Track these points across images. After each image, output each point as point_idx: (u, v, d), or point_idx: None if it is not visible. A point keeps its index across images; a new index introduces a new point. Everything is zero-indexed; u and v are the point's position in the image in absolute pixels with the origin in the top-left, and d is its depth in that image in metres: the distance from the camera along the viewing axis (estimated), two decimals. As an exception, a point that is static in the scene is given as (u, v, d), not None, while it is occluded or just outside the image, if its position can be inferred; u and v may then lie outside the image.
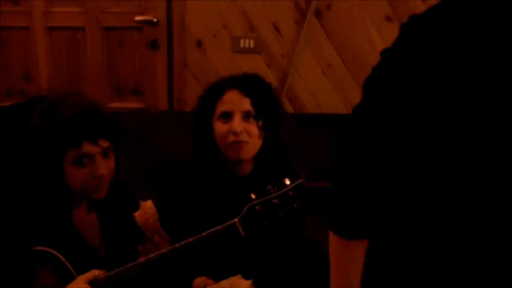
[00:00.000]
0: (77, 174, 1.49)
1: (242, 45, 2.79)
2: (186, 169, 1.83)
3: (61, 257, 1.44)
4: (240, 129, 1.70)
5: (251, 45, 2.79)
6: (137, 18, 2.77)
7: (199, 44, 2.82)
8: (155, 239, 1.55)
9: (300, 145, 2.29)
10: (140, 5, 2.80)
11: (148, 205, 1.56)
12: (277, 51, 2.82)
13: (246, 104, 1.75)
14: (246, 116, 1.73)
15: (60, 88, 2.86)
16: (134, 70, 2.89)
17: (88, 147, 1.48)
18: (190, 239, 1.43)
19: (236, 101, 1.74)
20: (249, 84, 1.79)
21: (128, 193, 1.70)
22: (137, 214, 1.55)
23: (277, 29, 2.80)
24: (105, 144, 1.51)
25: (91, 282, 1.42)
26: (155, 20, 2.77)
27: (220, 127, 1.74)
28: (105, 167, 1.52)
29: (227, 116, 1.73)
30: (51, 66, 2.91)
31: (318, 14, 2.79)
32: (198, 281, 1.58)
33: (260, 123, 1.76)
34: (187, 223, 1.66)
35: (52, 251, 1.43)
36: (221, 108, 1.74)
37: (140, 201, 1.57)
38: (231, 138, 1.71)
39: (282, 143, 1.84)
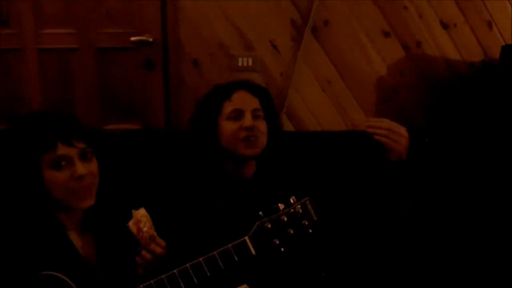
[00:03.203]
0: (56, 179, 1.52)
1: (240, 64, 2.86)
2: (187, 175, 1.89)
3: (69, 281, 1.46)
4: (252, 124, 1.78)
5: (249, 63, 2.86)
6: (133, 38, 2.81)
7: (195, 63, 2.88)
8: (151, 246, 1.59)
9: (302, 162, 2.35)
10: (135, 25, 2.83)
11: (141, 213, 1.60)
12: (275, 69, 2.89)
13: (255, 103, 1.85)
14: (255, 114, 1.82)
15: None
16: (129, 91, 2.92)
17: (63, 149, 1.52)
18: (200, 259, 1.48)
19: (246, 100, 1.84)
20: (254, 86, 1.92)
21: (120, 201, 1.74)
22: (130, 223, 1.59)
23: (274, 47, 2.87)
24: (80, 145, 1.55)
25: None
26: (151, 40, 2.82)
27: (229, 126, 1.81)
28: (84, 168, 1.54)
29: (237, 114, 1.81)
30: (43, 88, 2.91)
31: (315, 30, 2.86)
32: None
33: (266, 122, 1.85)
34: (188, 229, 1.71)
35: (58, 274, 1.46)
36: (230, 107, 1.82)
37: (133, 210, 1.61)
38: (243, 134, 1.79)
39: (283, 146, 1.92)
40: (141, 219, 1.60)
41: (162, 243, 1.62)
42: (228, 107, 1.84)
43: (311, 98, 2.93)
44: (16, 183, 1.53)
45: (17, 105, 2.93)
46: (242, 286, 1.55)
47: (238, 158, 1.84)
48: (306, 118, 2.94)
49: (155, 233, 1.61)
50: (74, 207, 1.57)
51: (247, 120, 1.81)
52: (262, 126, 1.85)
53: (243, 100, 1.86)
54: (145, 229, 1.60)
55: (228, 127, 1.82)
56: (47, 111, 1.67)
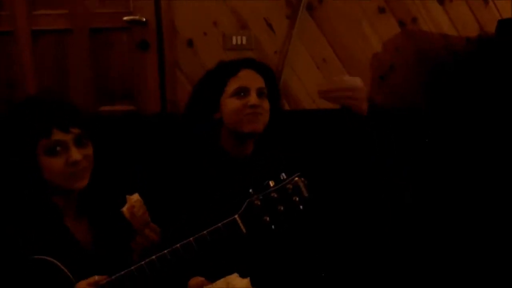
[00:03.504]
0: (52, 165, 1.53)
1: (234, 42, 2.84)
2: (183, 155, 1.89)
3: (60, 265, 1.47)
4: (258, 102, 1.78)
5: (243, 42, 2.84)
6: (126, 18, 2.80)
7: (189, 43, 2.87)
8: (145, 231, 1.59)
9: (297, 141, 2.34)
10: (128, 5, 2.83)
11: (134, 198, 1.60)
12: (270, 48, 2.88)
13: (261, 81, 1.84)
14: (260, 93, 1.82)
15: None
16: (123, 72, 2.91)
17: (58, 135, 1.53)
18: (191, 238, 1.47)
19: (252, 78, 1.84)
20: (261, 64, 1.90)
21: (115, 186, 1.73)
22: (124, 209, 1.59)
23: (269, 25, 2.85)
24: (76, 131, 1.55)
25: None
26: (144, 19, 2.80)
27: (234, 103, 1.81)
28: (79, 154, 1.55)
29: (242, 92, 1.81)
30: (37, 71, 2.91)
31: (310, 8, 2.85)
32: (194, 281, 1.61)
33: (270, 103, 1.84)
34: (183, 210, 1.71)
35: (50, 259, 1.47)
36: (235, 84, 1.82)
37: (127, 196, 1.61)
38: (247, 111, 1.79)
39: (279, 125, 1.92)
40: (135, 205, 1.60)
41: (157, 228, 1.63)
42: (233, 84, 1.83)
43: (306, 77, 2.92)
44: (12, 169, 1.54)
45: (11, 88, 2.93)
46: (233, 275, 1.54)
47: (240, 135, 1.83)
48: (301, 97, 2.94)
49: (149, 219, 1.62)
50: (68, 189, 1.58)
51: (253, 98, 1.80)
52: (266, 104, 1.84)
53: (250, 78, 1.85)
54: (138, 214, 1.60)
55: (232, 104, 1.81)
56: (43, 97, 1.65)
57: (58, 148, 1.52)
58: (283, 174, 1.46)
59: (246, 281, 1.52)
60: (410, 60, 2.93)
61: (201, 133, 1.90)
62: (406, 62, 2.93)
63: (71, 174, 1.54)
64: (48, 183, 1.55)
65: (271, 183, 1.46)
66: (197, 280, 1.61)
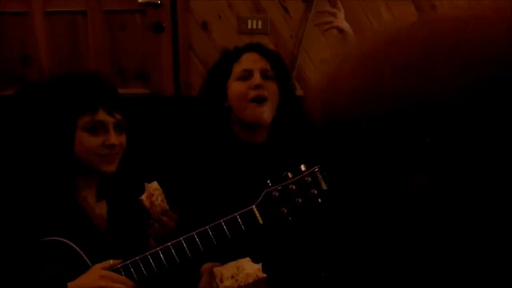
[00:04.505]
0: (88, 142, 1.54)
1: (249, 26, 2.81)
2: (197, 144, 1.87)
3: (75, 246, 1.48)
4: (261, 83, 1.75)
5: (259, 26, 2.81)
6: (140, 0, 2.77)
7: (204, 25, 2.84)
8: (163, 219, 1.59)
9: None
10: (142, -13, 2.79)
11: (153, 187, 1.60)
12: (285, 32, 2.84)
13: (264, 63, 1.82)
14: (264, 75, 1.79)
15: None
16: (137, 55, 2.89)
17: (103, 115, 1.55)
18: (207, 227, 1.47)
19: (254, 60, 1.82)
20: (264, 48, 1.89)
21: (133, 171, 1.74)
22: (143, 197, 1.59)
23: (285, 9, 2.81)
24: (118, 116, 1.58)
25: None
26: (158, 1, 2.77)
27: (238, 86, 1.79)
28: (117, 138, 1.57)
29: (246, 74, 1.79)
30: (51, 51, 2.90)
31: (326, -9, 2.80)
32: (206, 266, 1.60)
33: (278, 85, 1.81)
34: (199, 197, 1.70)
35: (65, 240, 1.47)
36: (238, 68, 1.80)
37: (145, 184, 1.61)
38: (251, 93, 1.76)
39: (299, 111, 1.88)
40: (153, 193, 1.60)
41: (175, 216, 1.62)
42: (237, 69, 1.82)
43: (322, 62, 2.88)
44: (46, 139, 1.54)
45: (27, 70, 2.92)
46: (245, 259, 1.53)
47: (247, 124, 1.81)
48: (316, 82, 2.89)
49: (167, 206, 1.62)
50: (96, 170, 1.59)
51: (256, 78, 1.77)
52: (272, 87, 1.81)
53: (252, 61, 1.83)
54: (157, 202, 1.60)
55: (236, 87, 1.80)
56: (94, 74, 1.66)
57: (99, 129, 1.55)
58: (303, 165, 1.44)
59: (257, 267, 1.51)
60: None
61: (213, 120, 1.88)
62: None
63: (103, 156, 1.56)
64: (76, 161, 1.55)
65: (290, 175, 1.45)
66: (208, 264, 1.60)
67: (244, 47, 1.90)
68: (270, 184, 1.45)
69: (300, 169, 1.44)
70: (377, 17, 2.84)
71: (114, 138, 1.56)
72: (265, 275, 1.50)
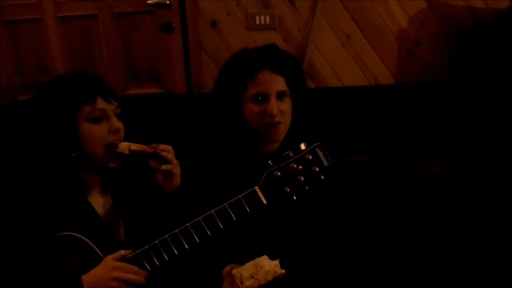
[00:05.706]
0: (94, 131, 1.56)
1: (257, 22, 2.82)
2: (206, 137, 1.87)
3: (87, 240, 1.49)
4: (276, 111, 1.73)
5: (267, 21, 2.82)
6: (149, 1, 2.79)
7: (213, 24, 2.85)
8: (159, 148, 1.57)
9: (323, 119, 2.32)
10: (151, -12, 2.81)
11: (123, 146, 1.57)
12: (294, 26, 2.84)
13: (280, 83, 1.77)
14: (280, 96, 1.76)
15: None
16: (149, 55, 2.92)
17: (102, 103, 1.56)
18: (212, 211, 1.46)
19: (270, 82, 1.76)
20: (279, 62, 1.80)
21: (140, 166, 1.70)
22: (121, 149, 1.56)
23: (292, 3, 2.82)
24: (115, 103, 1.60)
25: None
26: (167, 2, 2.79)
27: (253, 108, 1.75)
28: (120, 124, 1.59)
29: (261, 98, 1.75)
30: (65, 56, 2.92)
31: (334, -16, 2.80)
32: (226, 269, 1.60)
33: (292, 100, 1.80)
34: (208, 197, 1.69)
35: (77, 235, 1.49)
36: (254, 90, 1.75)
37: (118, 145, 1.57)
38: (267, 120, 1.74)
39: (310, 118, 1.87)
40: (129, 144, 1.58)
41: (167, 146, 1.60)
42: (252, 89, 1.76)
43: (331, 54, 2.89)
44: (51, 135, 1.55)
45: (42, 73, 2.95)
46: (262, 257, 1.52)
47: (262, 138, 1.80)
48: (326, 74, 2.90)
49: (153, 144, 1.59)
50: (103, 167, 1.59)
51: (271, 106, 1.73)
52: (286, 106, 1.78)
53: (268, 83, 1.75)
54: (136, 146, 1.57)
55: (252, 109, 1.76)
56: (89, 72, 1.70)
57: (101, 117, 1.56)
58: (303, 144, 1.43)
59: (275, 263, 1.52)
60: (436, 35, 2.86)
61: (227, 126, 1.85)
62: (432, 36, 2.86)
63: (113, 143, 1.56)
64: (84, 156, 1.56)
65: (291, 154, 1.44)
66: (228, 267, 1.60)
67: (260, 62, 1.79)
68: (271, 164, 1.44)
69: (300, 147, 1.43)
70: (389, 14, 2.84)
71: (118, 123, 1.58)
72: (283, 270, 1.51)
